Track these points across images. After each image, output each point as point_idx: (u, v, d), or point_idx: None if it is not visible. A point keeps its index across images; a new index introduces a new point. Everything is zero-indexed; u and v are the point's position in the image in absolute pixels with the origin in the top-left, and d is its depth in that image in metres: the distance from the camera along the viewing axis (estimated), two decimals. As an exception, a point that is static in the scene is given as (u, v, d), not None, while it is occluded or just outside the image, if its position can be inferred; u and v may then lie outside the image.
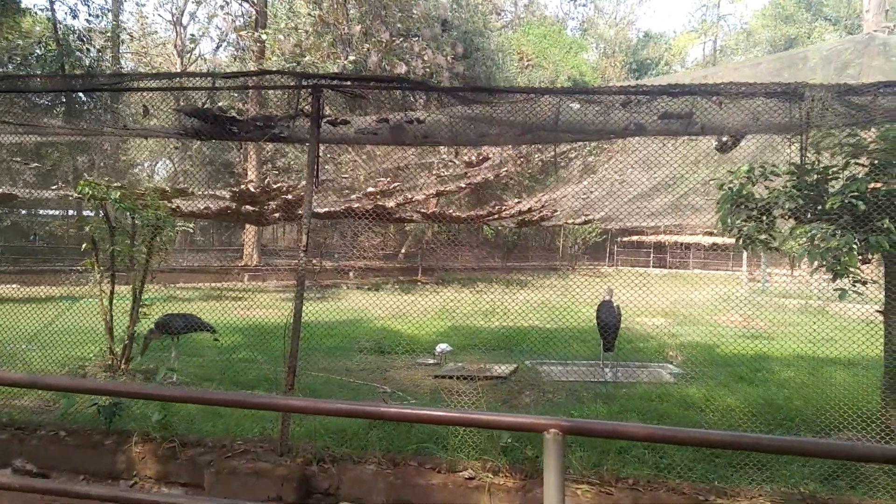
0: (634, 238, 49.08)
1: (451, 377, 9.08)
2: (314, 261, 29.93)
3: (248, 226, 26.73)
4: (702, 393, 8.04)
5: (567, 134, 7.48)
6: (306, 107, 5.23)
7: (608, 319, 9.66)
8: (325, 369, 9.57)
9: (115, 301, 8.15)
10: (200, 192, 13.92)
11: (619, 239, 49.93)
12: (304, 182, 18.43)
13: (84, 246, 7.85)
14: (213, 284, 22.56)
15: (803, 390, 8.23)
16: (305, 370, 9.43)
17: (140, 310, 8.13)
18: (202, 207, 12.76)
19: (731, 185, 7.08)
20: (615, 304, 10.00)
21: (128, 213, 7.92)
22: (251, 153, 27.09)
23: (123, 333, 8.00)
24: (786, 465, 5.74)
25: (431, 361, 10.40)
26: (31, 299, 9.51)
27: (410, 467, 4.55)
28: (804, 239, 5.91)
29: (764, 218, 6.92)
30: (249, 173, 26.80)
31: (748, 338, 13.54)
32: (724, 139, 7.71)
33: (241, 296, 19.72)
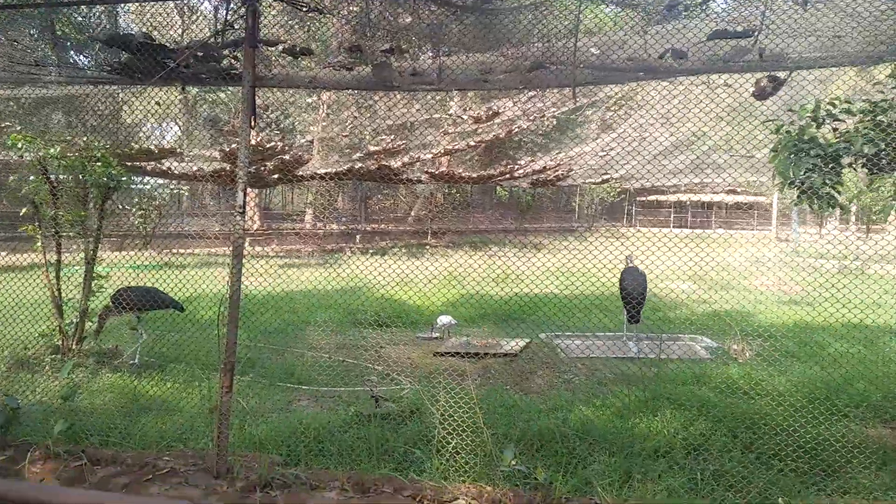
0: (653, 198, 47.56)
1: (453, 355, 7.99)
2: (318, 224, 28.92)
3: (248, 188, 25.63)
4: (745, 373, 6.89)
5: (588, 71, 6.23)
6: (237, 21, 4.04)
7: (633, 287, 8.48)
8: (314, 346, 8.52)
9: (67, 271, 7.09)
10: (192, 153, 12.87)
11: (637, 199, 48.44)
12: (301, 141, 17.11)
13: (24, 210, 6.77)
14: (211, 250, 21.54)
15: (864, 368, 7.06)
16: (291, 348, 8.39)
17: (95, 282, 7.07)
18: (195, 169, 11.72)
19: (791, 129, 5.85)
20: (641, 271, 8.83)
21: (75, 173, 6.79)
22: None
23: (76, 309, 6.95)
24: (862, 469, 4.61)
25: (434, 336, 9.32)
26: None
27: (384, 495, 3.48)
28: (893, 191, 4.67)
29: (831, 167, 5.68)
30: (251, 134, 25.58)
31: (786, 304, 12.32)
32: (764, 83, 6.43)
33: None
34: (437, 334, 9.32)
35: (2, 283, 6.56)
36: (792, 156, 5.90)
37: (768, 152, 6.69)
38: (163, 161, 10.58)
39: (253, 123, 3.76)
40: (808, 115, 5.88)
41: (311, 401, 6.25)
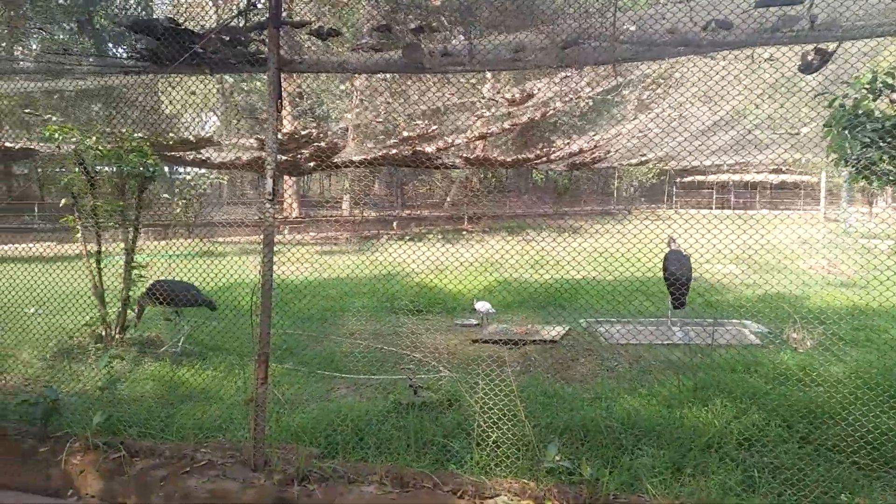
0: (694, 178, 46.49)
1: (492, 342, 7.84)
2: (355, 211, 28.98)
3: (286, 176, 25.80)
4: (798, 360, 6.59)
5: (625, 46, 5.96)
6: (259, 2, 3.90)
7: (678, 271, 8.20)
8: (351, 334, 8.46)
9: (107, 261, 7.14)
10: (230, 143, 12.94)
11: (677, 180, 47.41)
12: (336, 128, 17.05)
13: (63, 201, 6.81)
14: (251, 238, 21.76)
15: (926, 355, 6.70)
16: (328, 334, 8.35)
17: (135, 271, 7.10)
18: (233, 158, 11.77)
19: (845, 102, 5.51)
20: (685, 254, 8.54)
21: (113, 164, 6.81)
22: (286, 101, 25.91)
23: (117, 298, 7.00)
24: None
25: (473, 322, 9.18)
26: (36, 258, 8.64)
27: (423, 490, 3.36)
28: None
29: (889, 142, 5.34)
30: (285, 123, 25.70)
31: (837, 286, 11.84)
32: (811, 56, 6.07)
33: (276, 249, 18.83)
34: (476, 321, 9.17)
35: (48, 274, 6.63)
36: (847, 131, 5.59)
37: (815, 129, 6.36)
38: (201, 151, 10.63)
39: (279, 108, 3.64)
40: (864, 86, 5.54)
41: (349, 389, 6.18)
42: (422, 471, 3.45)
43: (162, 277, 7.50)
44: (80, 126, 6.79)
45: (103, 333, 6.84)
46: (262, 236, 3.59)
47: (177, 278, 7.41)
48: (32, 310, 7.92)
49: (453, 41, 6.11)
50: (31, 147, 10.77)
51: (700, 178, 45.86)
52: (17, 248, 15.14)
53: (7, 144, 10.86)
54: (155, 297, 6.86)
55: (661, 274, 8.42)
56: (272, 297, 3.61)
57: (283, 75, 4.72)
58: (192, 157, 11.16)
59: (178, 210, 21.68)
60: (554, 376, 6.47)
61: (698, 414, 5.14)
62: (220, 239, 20.91)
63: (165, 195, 23.19)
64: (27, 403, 4.08)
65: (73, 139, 6.40)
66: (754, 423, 4.94)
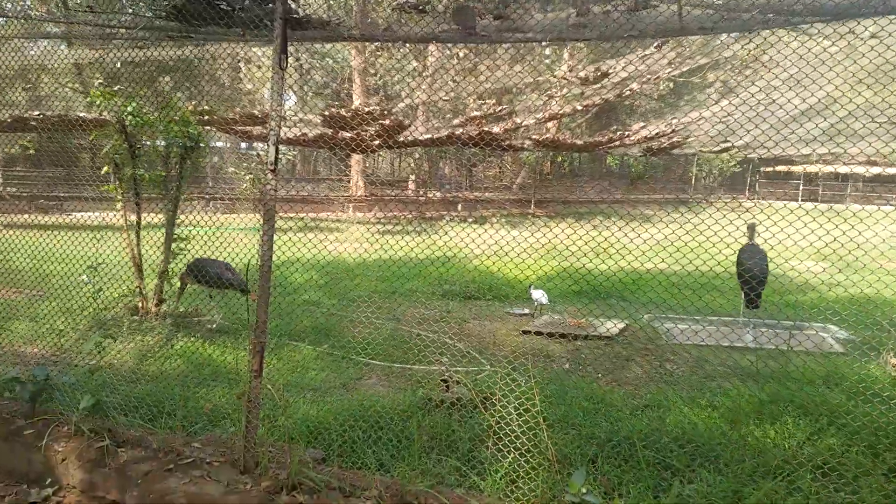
0: (780, 168, 43.86)
1: (542, 334, 7.31)
2: (420, 191, 28.70)
3: (353, 154, 25.74)
4: (890, 374, 5.78)
5: (707, 12, 5.27)
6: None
7: (754, 267, 7.42)
8: (394, 318, 8.10)
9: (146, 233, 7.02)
10: (296, 118, 12.83)
11: (761, 169, 44.88)
12: (400, 105, 16.73)
13: (104, 169, 6.69)
14: (314, 215, 21.84)
15: None
16: (371, 318, 8.01)
17: (175, 244, 6.94)
18: (298, 134, 11.64)
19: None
20: (761, 249, 7.74)
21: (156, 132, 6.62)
22: (356, 77, 25.77)
23: (155, 271, 6.87)
24: None
25: (524, 312, 8.66)
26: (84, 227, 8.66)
27: (426, 511, 2.93)
28: None
29: None
30: (355, 98, 25.59)
31: (937, 291, 10.65)
32: None
33: (337, 227, 18.77)
34: (528, 311, 8.66)
35: (88, 244, 6.53)
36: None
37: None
38: (266, 126, 10.47)
39: (283, 64, 3.23)
40: None
41: (380, 378, 5.82)
42: (425, 490, 3.01)
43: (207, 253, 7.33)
44: (163, 102, 6.63)
45: (140, 306, 6.71)
46: (262, 211, 3.20)
47: (225, 252, 7.24)
48: (84, 278, 7.93)
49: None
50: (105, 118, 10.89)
51: (786, 168, 43.20)
52: (97, 217, 15.53)
53: (80, 114, 10.99)
54: (193, 274, 6.67)
55: (734, 269, 7.65)
56: (270, 280, 3.22)
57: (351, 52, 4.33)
58: (258, 131, 11.06)
59: (245, 185, 21.93)
60: (604, 377, 5.90)
61: (766, 433, 4.49)
62: (282, 214, 21.04)
63: (233, 169, 23.55)
64: (17, 381, 3.89)
65: (115, 105, 6.23)
66: (832, 448, 4.26)
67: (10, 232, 6.39)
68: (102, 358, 4.47)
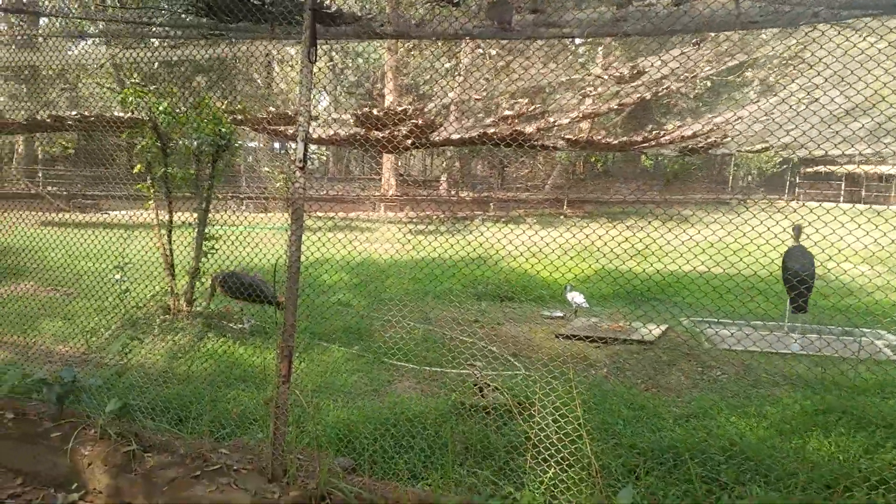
0: (821, 169, 42.65)
1: (579, 338, 7.10)
2: (452, 191, 28.58)
3: (385, 154, 25.72)
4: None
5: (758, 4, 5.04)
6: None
7: (801, 270, 7.11)
8: (426, 319, 7.97)
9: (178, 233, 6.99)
10: (329, 118, 12.84)
11: (802, 170, 43.71)
12: (431, 105, 16.61)
13: (137, 167, 6.69)
14: (345, 214, 21.87)
15: None
16: (403, 320, 7.89)
17: (207, 243, 6.89)
18: (331, 133, 11.63)
19: None
20: (808, 251, 7.42)
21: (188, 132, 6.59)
22: (388, 75, 25.74)
23: (186, 270, 6.84)
24: None
25: (559, 314, 8.45)
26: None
27: (459, 529, 2.77)
28: None
29: None
30: (387, 97, 25.57)
31: None
32: None
33: (369, 227, 18.72)
34: (563, 313, 8.45)
35: (122, 242, 6.52)
36: None
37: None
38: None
39: (313, 58, 3.10)
40: None
41: (413, 382, 5.68)
42: (458, 502, 2.86)
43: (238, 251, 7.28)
44: (158, 91, 6.61)
45: (171, 305, 6.69)
46: (290, 210, 3.07)
47: (254, 252, 7.19)
48: (118, 276, 7.95)
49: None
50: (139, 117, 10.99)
51: (828, 168, 42.00)
52: (132, 215, 15.72)
53: (117, 114, 11.10)
54: (225, 287, 6.61)
55: (779, 272, 7.35)
56: (299, 281, 3.10)
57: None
58: (290, 131, 11.06)
59: (279, 185, 22.06)
60: (645, 383, 5.68)
61: (819, 444, 4.24)
62: (314, 214, 21.14)
63: (266, 169, 23.70)
64: (44, 383, 3.85)
65: (147, 104, 6.21)
66: (892, 462, 3.99)
67: (48, 229, 6.42)
68: (130, 359, 4.41)
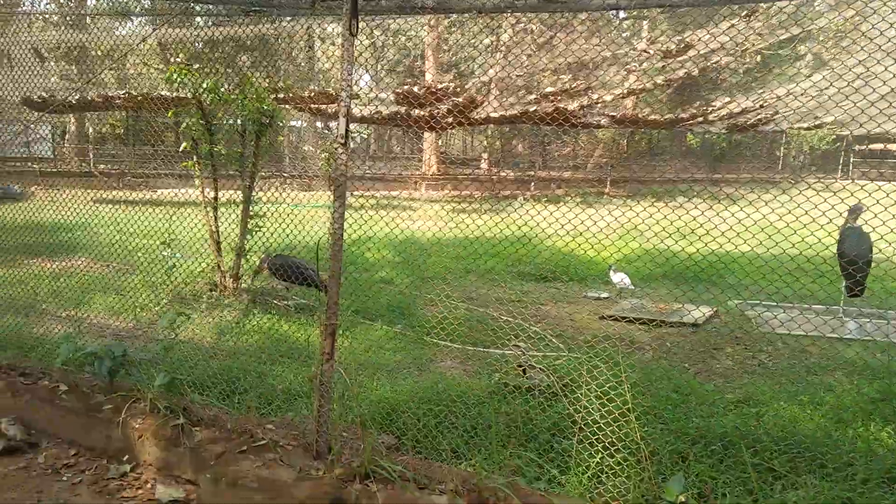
0: (878, 146, 41.02)
1: (623, 320, 6.98)
2: (493, 170, 28.37)
3: (426, 133, 25.63)
4: None
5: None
6: None
7: (857, 252, 6.84)
8: (470, 298, 7.93)
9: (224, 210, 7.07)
10: (370, 96, 12.82)
11: (856, 147, 42.08)
12: (471, 82, 16.38)
13: (183, 146, 6.76)
14: (387, 193, 21.94)
15: None
16: (446, 298, 7.86)
17: (252, 221, 6.96)
18: (372, 111, 11.62)
19: None
20: (865, 232, 7.12)
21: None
22: (429, 54, 25.56)
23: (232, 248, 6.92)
24: None
25: (604, 295, 8.32)
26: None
27: (508, 510, 2.73)
28: None
29: None
30: (427, 75, 25.40)
31: None
32: None
33: (410, 205, 18.74)
34: (608, 294, 8.31)
35: (170, 220, 6.63)
36: None
37: None
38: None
39: (354, 30, 3.03)
40: None
41: (455, 361, 5.66)
42: (506, 483, 2.81)
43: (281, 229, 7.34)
44: (202, 69, 6.66)
45: (218, 282, 6.79)
46: (333, 187, 3.04)
47: (298, 229, 7.22)
48: (168, 252, 8.11)
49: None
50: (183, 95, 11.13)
51: (883, 146, 40.31)
52: (180, 193, 16.02)
53: (163, 93, 11.27)
54: (272, 269, 6.67)
55: (829, 253, 7.06)
56: (342, 258, 3.08)
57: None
58: (333, 109, 11.08)
59: (322, 164, 22.19)
60: (692, 367, 5.54)
61: (878, 434, 4.07)
62: (358, 192, 21.25)
63: (309, 147, 23.86)
64: (96, 356, 3.93)
65: (193, 82, 6.26)
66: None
67: (101, 207, 6.57)
68: (178, 334, 4.49)
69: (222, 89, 6.55)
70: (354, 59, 3.04)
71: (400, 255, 10.51)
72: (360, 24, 3.20)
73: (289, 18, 6.64)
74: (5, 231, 6.97)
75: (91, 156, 27.35)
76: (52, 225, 6.42)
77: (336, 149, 3.04)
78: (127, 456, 3.63)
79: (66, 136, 29.00)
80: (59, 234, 8.54)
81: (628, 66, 13.27)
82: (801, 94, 10.47)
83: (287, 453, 3.17)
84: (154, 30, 8.05)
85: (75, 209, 5.70)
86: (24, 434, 3.85)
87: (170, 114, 6.44)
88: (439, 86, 12.71)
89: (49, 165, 24.32)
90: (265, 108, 6.58)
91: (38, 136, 24.57)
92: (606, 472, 3.27)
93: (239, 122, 6.63)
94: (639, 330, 6.66)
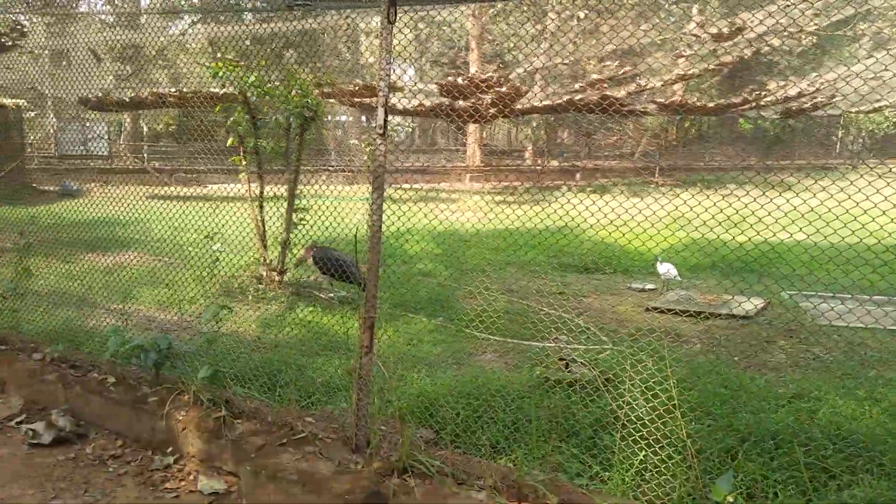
0: (944, 129, 39.07)
1: (670, 312, 6.81)
2: (538, 160, 28.10)
3: (471, 124, 25.53)
4: None
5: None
6: None
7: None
8: (510, 290, 7.87)
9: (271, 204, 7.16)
10: (415, 88, 12.83)
11: (921, 130, 40.18)
12: (516, 72, 16.23)
13: (230, 140, 6.86)
14: (431, 185, 21.98)
15: None
16: (486, 291, 7.81)
17: (296, 215, 7.03)
18: (416, 104, 11.64)
19: None
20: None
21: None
22: (472, 44, 25.40)
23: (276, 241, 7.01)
24: None
25: (649, 287, 8.15)
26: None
27: (544, 509, 2.67)
28: None
29: None
30: (472, 66, 25.27)
31: None
32: None
33: (453, 197, 18.71)
34: (654, 285, 8.13)
35: (216, 214, 6.74)
36: None
37: None
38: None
39: (392, 18, 2.99)
40: None
41: (496, 354, 5.61)
42: (547, 479, 2.75)
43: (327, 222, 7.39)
44: (248, 65, 6.73)
45: (263, 275, 6.89)
46: (371, 178, 3.02)
47: (340, 222, 7.25)
48: (217, 246, 8.26)
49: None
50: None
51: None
52: (230, 188, 16.33)
53: (213, 90, 11.47)
54: (317, 261, 6.72)
55: (893, 241, 6.74)
56: (381, 251, 3.06)
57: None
58: (376, 103, 11.13)
59: (366, 156, 22.35)
60: (742, 361, 5.37)
61: (940, 432, 3.86)
62: (399, 185, 21.33)
63: (354, 141, 24.05)
64: (142, 349, 4.02)
65: (238, 77, 6.34)
66: None
67: (153, 203, 6.74)
68: (220, 327, 4.57)
69: (268, 85, 6.62)
70: (393, 49, 3.01)
71: (439, 246, 10.50)
72: (405, 17, 3.17)
73: (333, 13, 6.68)
74: (63, 227, 7.22)
75: (145, 153, 28.16)
76: (106, 220, 6.61)
77: (375, 139, 3.02)
78: (171, 447, 3.71)
79: (122, 134, 29.91)
80: (113, 229, 8.80)
81: (677, 51, 12.92)
82: (860, 76, 10.06)
83: (326, 446, 3.18)
84: (193, 23, 8.21)
85: (129, 205, 5.85)
86: (74, 425, 3.98)
87: (217, 109, 6.53)
88: (483, 76, 12.61)
89: (105, 163, 25.11)
90: (309, 102, 6.62)
91: (94, 134, 25.40)
92: (651, 470, 3.18)
93: (283, 117, 6.69)
94: (686, 322, 6.49)
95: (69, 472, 3.57)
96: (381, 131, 2.98)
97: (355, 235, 3.78)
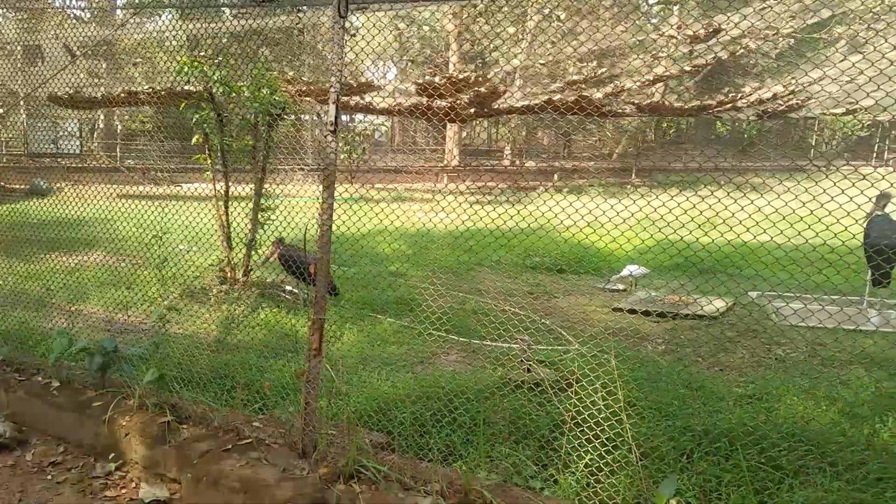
0: (915, 132, 39.71)
1: (636, 312, 6.82)
2: (516, 161, 28.13)
3: (450, 124, 25.48)
4: None
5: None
6: None
7: (883, 240, 6.59)
8: (477, 290, 7.83)
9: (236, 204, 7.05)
10: (391, 87, 12.73)
11: (892, 133, 40.84)
12: (494, 71, 16.22)
13: (195, 138, 6.74)
14: (408, 185, 21.91)
15: None
16: (454, 291, 7.77)
17: (262, 214, 6.94)
18: (393, 103, 11.54)
19: None
20: (893, 220, 6.86)
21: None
22: (452, 43, 25.35)
23: (242, 241, 6.91)
24: None
25: (619, 287, 8.15)
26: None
27: (492, 511, 2.63)
28: None
29: None
30: (451, 67, 25.22)
31: None
32: None
33: (429, 198, 18.66)
34: (623, 286, 8.14)
35: (197, 213, 6.61)
36: None
37: None
38: (364, 96, 10.47)
39: (344, 11, 2.92)
40: None
41: (459, 354, 5.57)
42: (492, 483, 2.71)
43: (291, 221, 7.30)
44: (218, 61, 6.60)
45: (228, 275, 6.78)
46: (321, 177, 2.96)
47: (307, 223, 7.17)
48: (182, 246, 8.13)
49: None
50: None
51: (923, 131, 39.03)
52: (200, 188, 16.10)
53: (187, 87, 11.29)
54: (283, 263, 6.63)
55: (859, 242, 6.82)
56: (330, 252, 2.99)
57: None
58: (354, 102, 11.03)
59: (343, 155, 22.22)
60: (705, 361, 5.38)
61: (895, 430, 3.90)
62: (379, 185, 21.24)
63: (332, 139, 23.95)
64: (86, 352, 3.92)
65: (203, 74, 6.22)
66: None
67: (122, 202, 6.60)
68: (167, 329, 4.47)
69: (239, 83, 6.52)
70: (343, 41, 2.95)
71: (411, 248, 10.44)
72: (385, 19, 3.10)
73: (306, 9, 6.57)
74: (26, 226, 7.04)
75: (118, 152, 27.74)
76: (73, 220, 6.47)
77: (326, 136, 2.95)
78: (114, 454, 3.61)
79: (95, 133, 29.41)
80: (79, 229, 8.62)
81: (655, 53, 12.98)
82: (835, 78, 10.15)
83: (272, 452, 3.12)
84: (182, 24, 8.05)
85: (96, 204, 5.72)
86: (15, 431, 3.87)
87: (181, 107, 6.41)
88: (461, 76, 12.57)
89: (76, 161, 24.69)
90: (276, 99, 6.53)
91: (66, 132, 24.95)
92: (600, 473, 3.16)
93: (251, 114, 6.59)
94: (652, 323, 6.51)
95: (5, 479, 3.46)
96: (332, 129, 2.92)
97: (304, 234, 3.71)
